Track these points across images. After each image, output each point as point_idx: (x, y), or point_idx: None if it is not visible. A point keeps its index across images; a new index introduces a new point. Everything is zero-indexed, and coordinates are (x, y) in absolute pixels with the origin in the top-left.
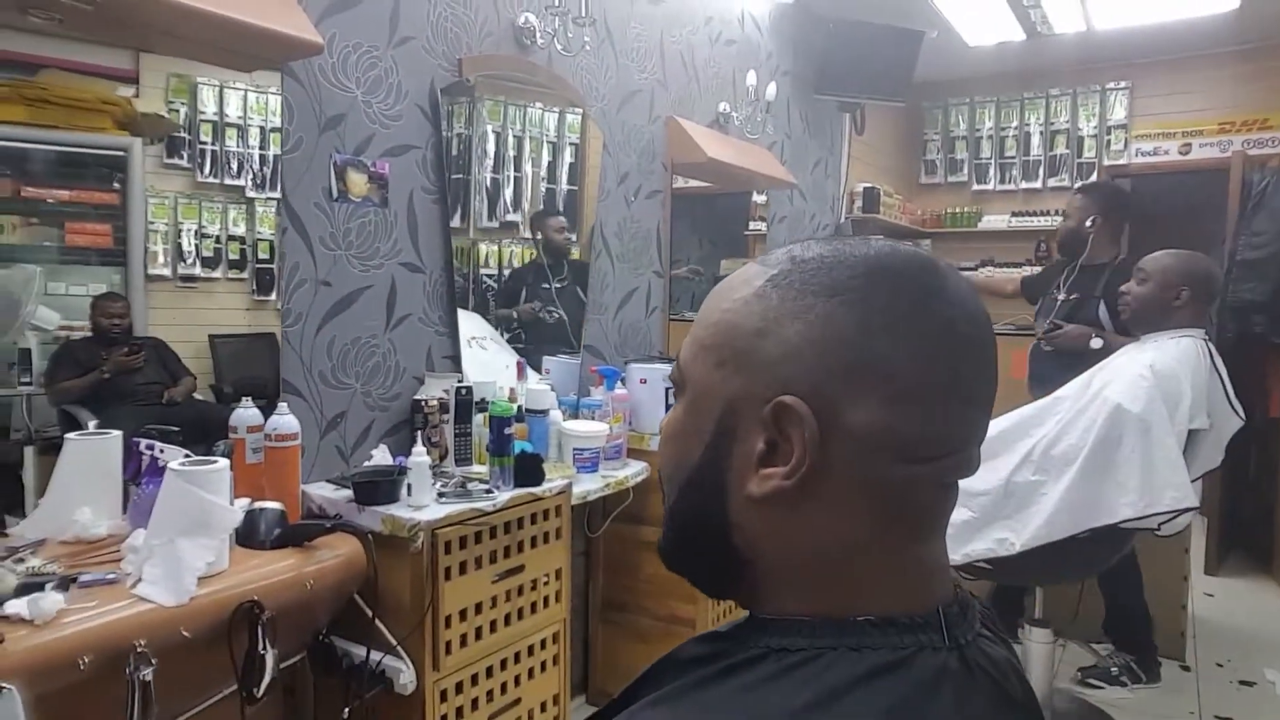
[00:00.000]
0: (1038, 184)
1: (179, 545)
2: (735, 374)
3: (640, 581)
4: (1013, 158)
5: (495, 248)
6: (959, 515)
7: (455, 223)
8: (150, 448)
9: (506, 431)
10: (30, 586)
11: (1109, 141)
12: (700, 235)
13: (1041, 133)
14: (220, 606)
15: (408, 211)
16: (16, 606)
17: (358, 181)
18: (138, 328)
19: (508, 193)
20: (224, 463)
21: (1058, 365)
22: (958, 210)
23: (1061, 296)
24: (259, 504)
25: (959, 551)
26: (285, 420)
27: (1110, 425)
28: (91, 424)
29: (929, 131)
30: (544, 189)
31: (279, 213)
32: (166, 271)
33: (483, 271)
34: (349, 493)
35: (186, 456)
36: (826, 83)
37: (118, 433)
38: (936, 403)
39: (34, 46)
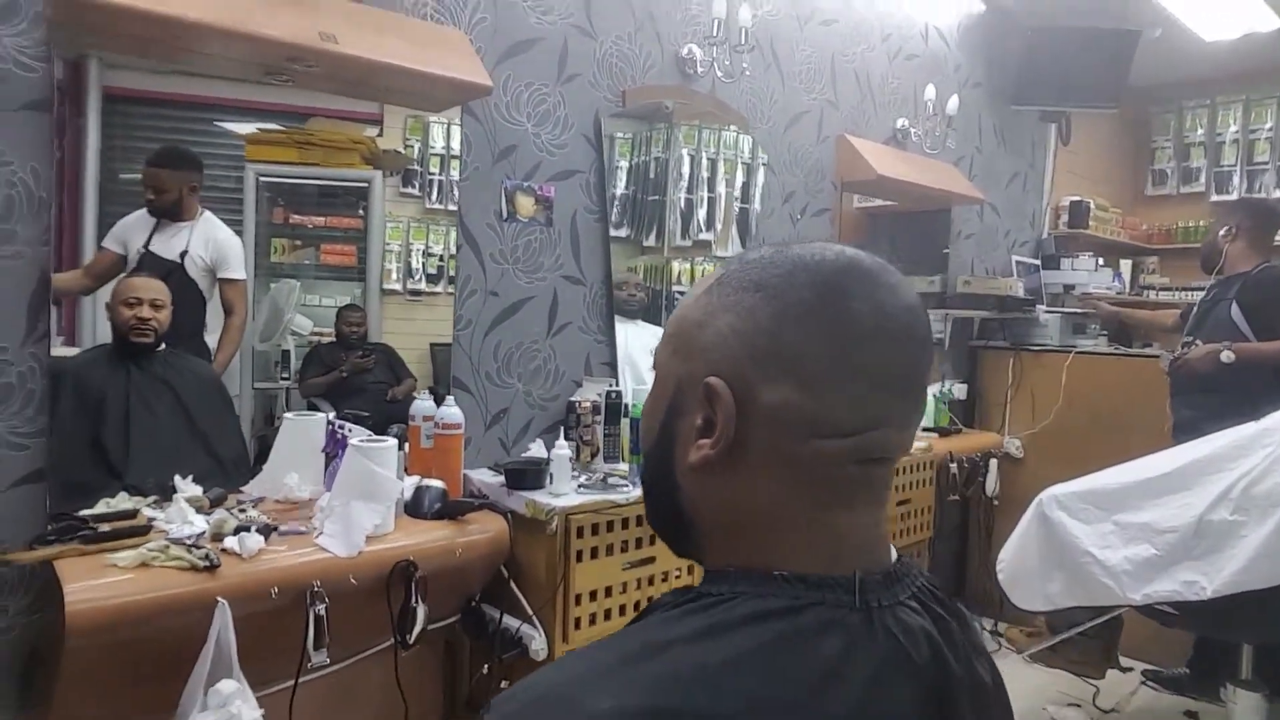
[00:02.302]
0: None
1: (353, 507)
2: (683, 360)
3: None
4: (1265, 164)
5: (688, 265)
6: (1141, 552)
7: (649, 241)
8: (341, 427)
9: None
10: (243, 529)
11: None
12: (900, 254)
13: None
14: (382, 562)
15: (570, 230)
16: (231, 542)
17: (525, 204)
18: (372, 335)
19: (701, 213)
20: (392, 442)
21: (1198, 387)
22: (1191, 224)
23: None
24: (425, 481)
25: (1140, 591)
26: (451, 412)
27: None
28: (330, 415)
29: (1159, 138)
30: (736, 209)
31: (456, 232)
32: (398, 286)
33: (675, 288)
34: (502, 478)
35: (367, 436)
36: (1026, 92)
37: (321, 415)
38: (840, 386)
39: (307, 99)
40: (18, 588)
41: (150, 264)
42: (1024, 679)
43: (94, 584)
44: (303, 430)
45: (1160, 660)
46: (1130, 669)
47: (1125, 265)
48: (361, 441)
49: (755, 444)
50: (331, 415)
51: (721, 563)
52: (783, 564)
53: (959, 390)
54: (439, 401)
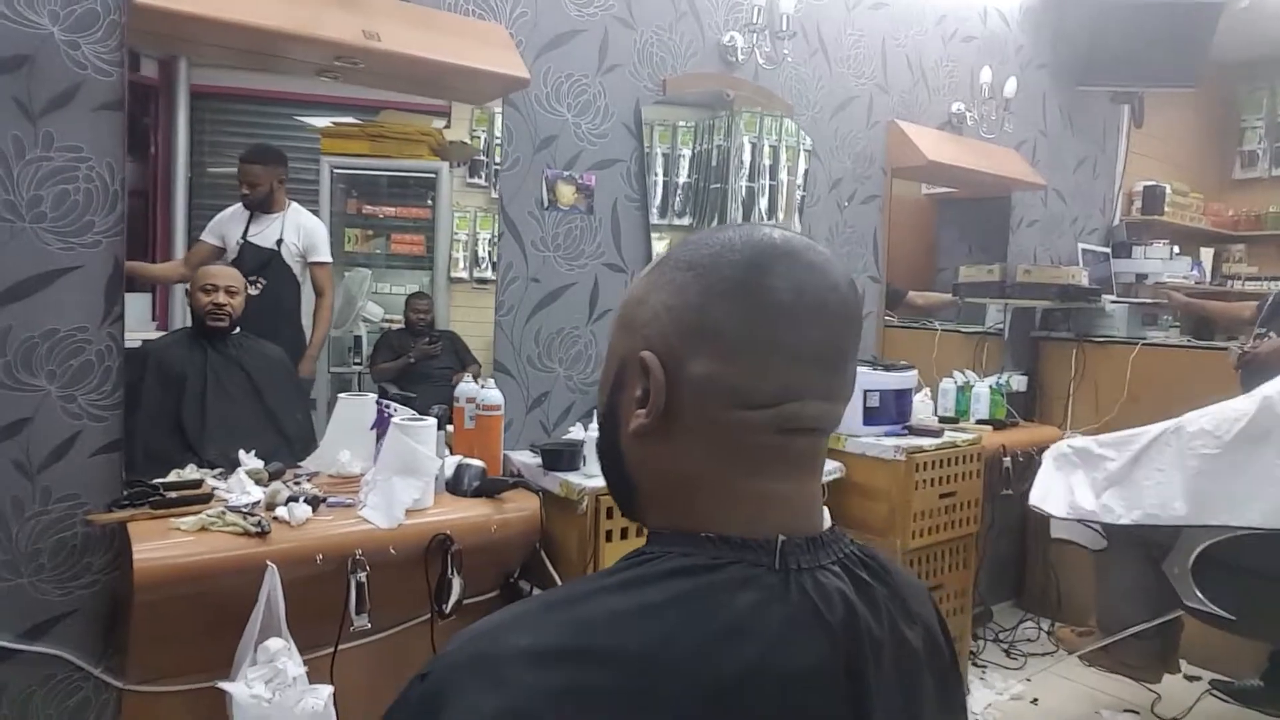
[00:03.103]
0: None
1: (394, 482)
2: (626, 335)
3: None
4: None
5: None
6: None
7: None
8: (387, 407)
9: None
10: (293, 499)
11: None
12: (969, 241)
13: None
14: (421, 535)
15: (611, 217)
16: (282, 511)
17: (566, 192)
18: (439, 322)
19: (763, 202)
20: (432, 421)
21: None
22: None
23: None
24: (466, 460)
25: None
26: (491, 394)
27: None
28: (377, 396)
29: (1249, 117)
30: (799, 196)
31: (498, 220)
32: (465, 274)
33: None
34: (539, 459)
35: (410, 415)
36: (1094, 73)
37: (371, 395)
38: (758, 359)
39: (378, 94)
40: (100, 546)
41: (250, 253)
42: (1077, 681)
43: (159, 544)
44: (354, 410)
45: (1232, 671)
46: (1197, 678)
47: (1206, 254)
48: (403, 420)
49: (685, 414)
50: (378, 396)
51: (658, 525)
52: (709, 526)
53: (1018, 382)
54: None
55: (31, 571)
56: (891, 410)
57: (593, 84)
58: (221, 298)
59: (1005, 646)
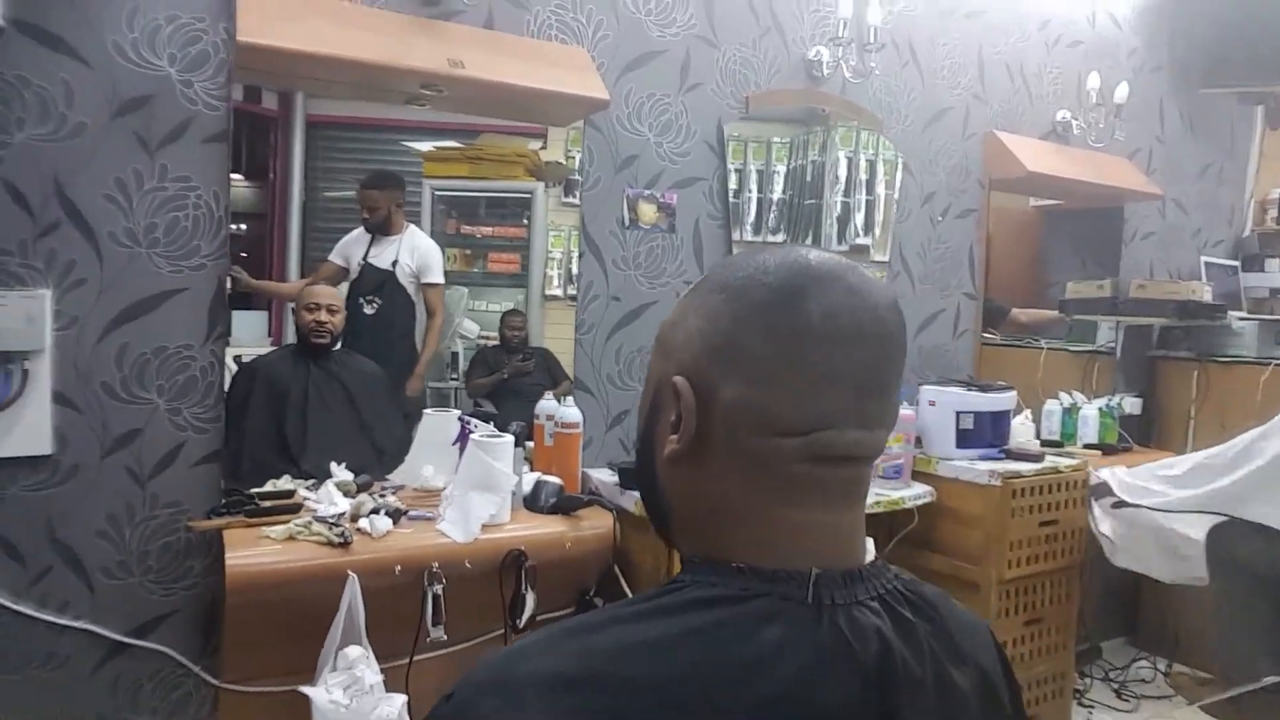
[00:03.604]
0: None
1: (471, 497)
2: (662, 359)
3: None
4: None
5: None
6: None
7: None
8: (468, 423)
9: None
10: (376, 511)
11: None
12: (1081, 255)
13: None
14: (496, 550)
15: (693, 236)
16: (365, 522)
17: (648, 211)
18: (533, 339)
19: (859, 218)
20: (509, 438)
21: None
22: None
23: None
24: (544, 477)
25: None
26: (570, 411)
27: None
28: (459, 412)
29: None
30: (896, 211)
31: (580, 239)
32: (559, 292)
33: None
34: (616, 477)
35: (489, 432)
36: (1222, 73)
37: (454, 411)
38: (788, 384)
39: (478, 118)
40: (200, 551)
41: (368, 274)
42: None
43: (249, 551)
44: (437, 425)
45: None
46: None
47: None
48: (482, 436)
49: (716, 440)
50: (460, 412)
51: (691, 552)
52: (740, 556)
53: (1131, 404)
54: None
55: (141, 572)
56: (987, 433)
57: (674, 103)
58: (324, 316)
59: (1116, 686)
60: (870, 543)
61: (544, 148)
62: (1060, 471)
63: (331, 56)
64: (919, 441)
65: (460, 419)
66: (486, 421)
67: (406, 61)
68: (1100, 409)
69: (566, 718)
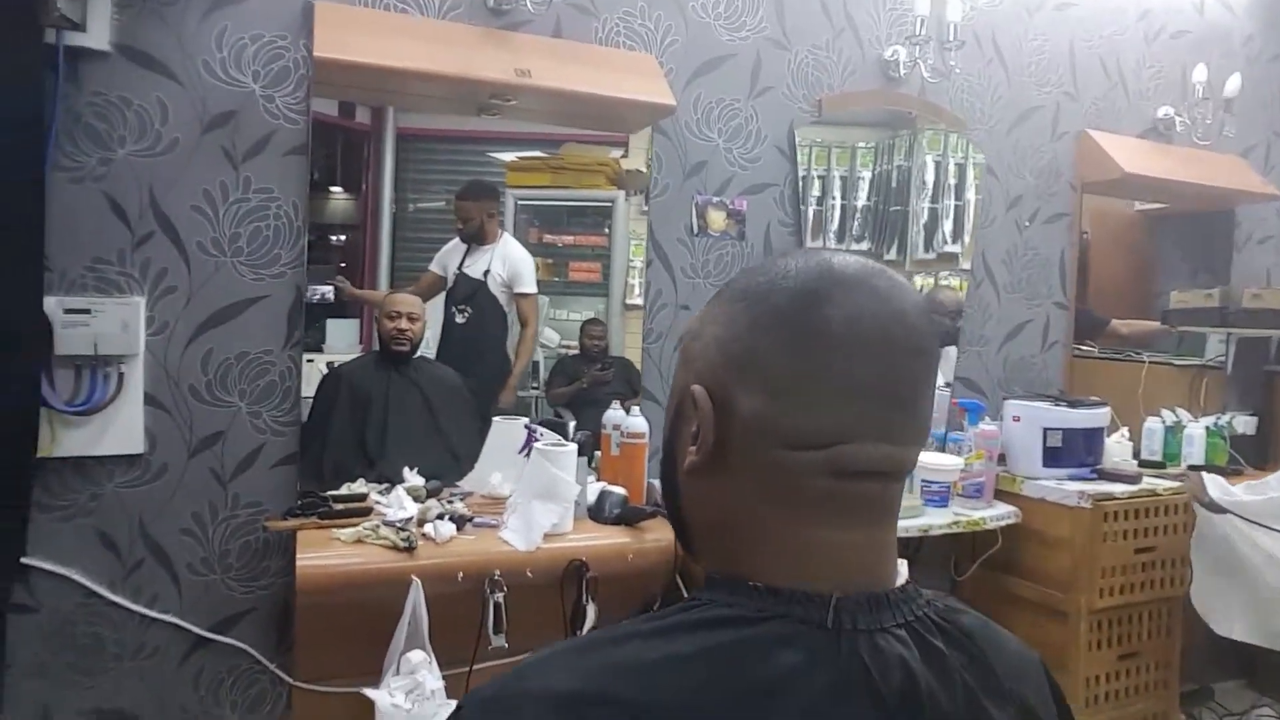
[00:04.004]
0: None
1: (534, 506)
2: (683, 368)
3: None
4: None
5: (930, 280)
6: None
7: (890, 255)
8: (533, 431)
9: None
10: (441, 517)
11: None
12: (1191, 262)
13: None
14: (557, 559)
15: (764, 242)
16: (429, 528)
17: (716, 218)
18: (613, 348)
19: (947, 225)
20: (573, 447)
21: None
22: None
23: None
24: (609, 487)
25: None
26: (636, 421)
27: None
28: (571, 424)
29: None
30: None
31: (647, 247)
32: (640, 301)
33: None
34: None
35: (554, 441)
36: None
37: (522, 419)
38: (806, 395)
39: (558, 128)
40: (277, 550)
41: (461, 283)
42: None
43: (320, 553)
44: (505, 433)
45: None
46: None
47: None
48: (545, 445)
49: (734, 452)
50: (527, 420)
51: (712, 568)
52: (758, 574)
53: (1244, 423)
54: None
55: (222, 569)
56: (1078, 451)
57: (744, 107)
58: (404, 324)
59: None
60: (904, 565)
61: (625, 156)
62: (1159, 494)
63: (401, 69)
64: (1003, 459)
65: (526, 427)
66: (555, 430)
67: (475, 72)
68: (1208, 428)
69: None
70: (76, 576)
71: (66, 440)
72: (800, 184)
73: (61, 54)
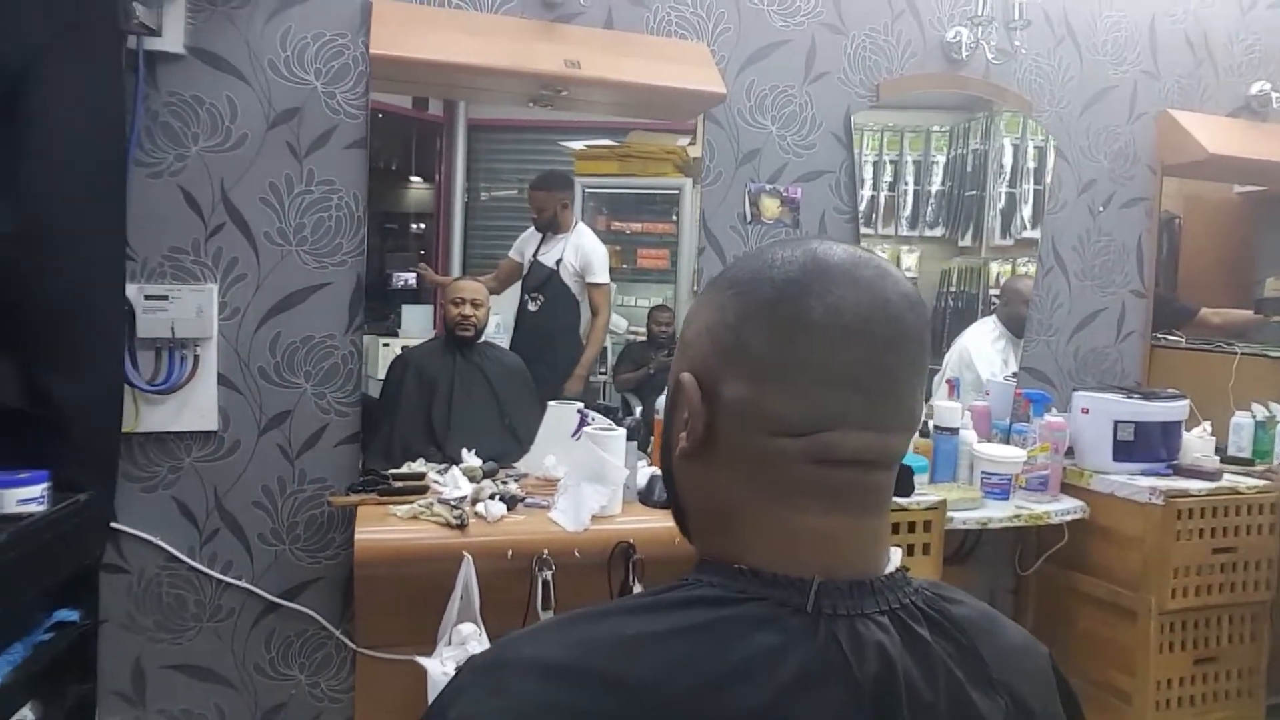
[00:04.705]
0: None
1: (583, 488)
2: (679, 355)
3: (1073, 636)
4: None
5: (1008, 266)
6: None
7: (965, 241)
8: (585, 415)
9: None
10: (494, 496)
11: None
12: None
13: None
14: (605, 541)
15: (819, 230)
16: (481, 507)
17: (770, 206)
18: (679, 334)
19: (1026, 210)
20: (621, 432)
21: None
22: None
23: None
24: (659, 471)
25: None
26: None
27: None
28: (638, 410)
29: None
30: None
31: (700, 235)
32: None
33: (992, 293)
34: None
35: (604, 425)
36: None
37: (575, 404)
38: (786, 382)
39: (626, 118)
40: (340, 524)
41: (535, 271)
42: None
43: (376, 528)
44: (559, 417)
45: None
46: None
47: None
48: (595, 429)
49: (722, 439)
50: (580, 405)
51: (704, 552)
52: (745, 558)
53: None
54: None
55: (291, 540)
56: (1152, 445)
57: (799, 94)
58: (468, 310)
59: None
60: (896, 554)
61: (692, 143)
62: (1240, 493)
63: (452, 63)
64: (1070, 452)
65: (579, 411)
66: (607, 415)
67: (524, 65)
68: None
69: (553, 707)
70: (159, 542)
71: (149, 417)
72: (857, 170)
73: (141, 58)
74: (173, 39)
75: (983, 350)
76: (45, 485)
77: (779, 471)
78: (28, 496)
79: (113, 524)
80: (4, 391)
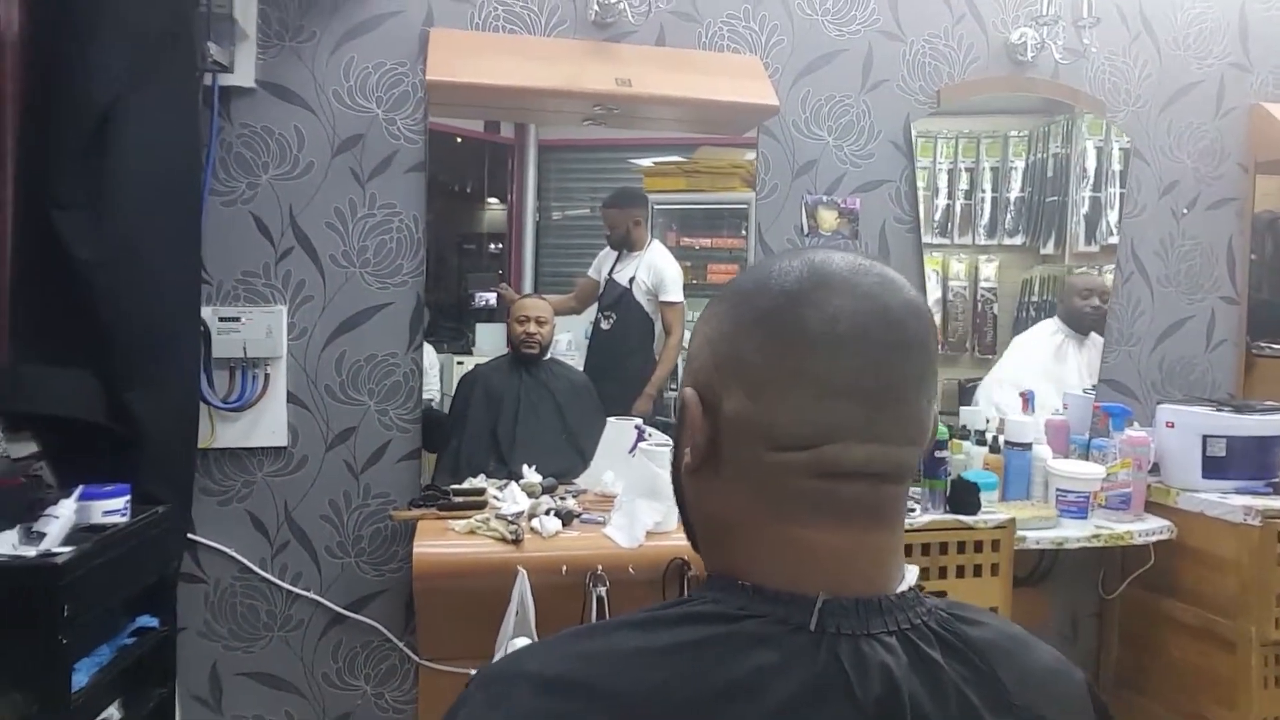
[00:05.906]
0: None
1: (638, 504)
2: (686, 369)
3: (1162, 664)
4: None
5: (1094, 273)
6: None
7: (1048, 249)
8: (642, 431)
9: (938, 455)
10: (549, 512)
11: None
12: None
13: None
14: (659, 557)
15: (879, 242)
16: (536, 522)
17: (827, 218)
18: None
19: (1111, 215)
20: None
21: None
22: None
23: None
24: None
25: None
26: None
27: None
28: (638, 421)
29: None
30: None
31: (753, 248)
32: None
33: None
34: None
35: (659, 440)
36: None
37: (634, 420)
38: (785, 395)
39: (692, 132)
40: (403, 537)
41: (609, 289)
42: None
43: (434, 542)
44: (617, 433)
45: None
46: None
47: None
48: (650, 445)
49: (726, 454)
50: (638, 421)
51: (711, 568)
52: (751, 574)
53: None
54: None
55: (356, 553)
56: (1248, 462)
57: (855, 103)
58: (532, 328)
59: None
60: (911, 572)
61: (758, 157)
62: None
63: (502, 86)
64: (1156, 469)
65: (636, 427)
66: (665, 431)
67: (575, 85)
68: None
69: (533, 717)
70: (233, 553)
71: (223, 433)
72: (928, 178)
73: (216, 94)
74: (244, 74)
75: (1026, 344)
76: (127, 498)
77: (782, 486)
78: (111, 508)
79: (190, 535)
80: (90, 409)
